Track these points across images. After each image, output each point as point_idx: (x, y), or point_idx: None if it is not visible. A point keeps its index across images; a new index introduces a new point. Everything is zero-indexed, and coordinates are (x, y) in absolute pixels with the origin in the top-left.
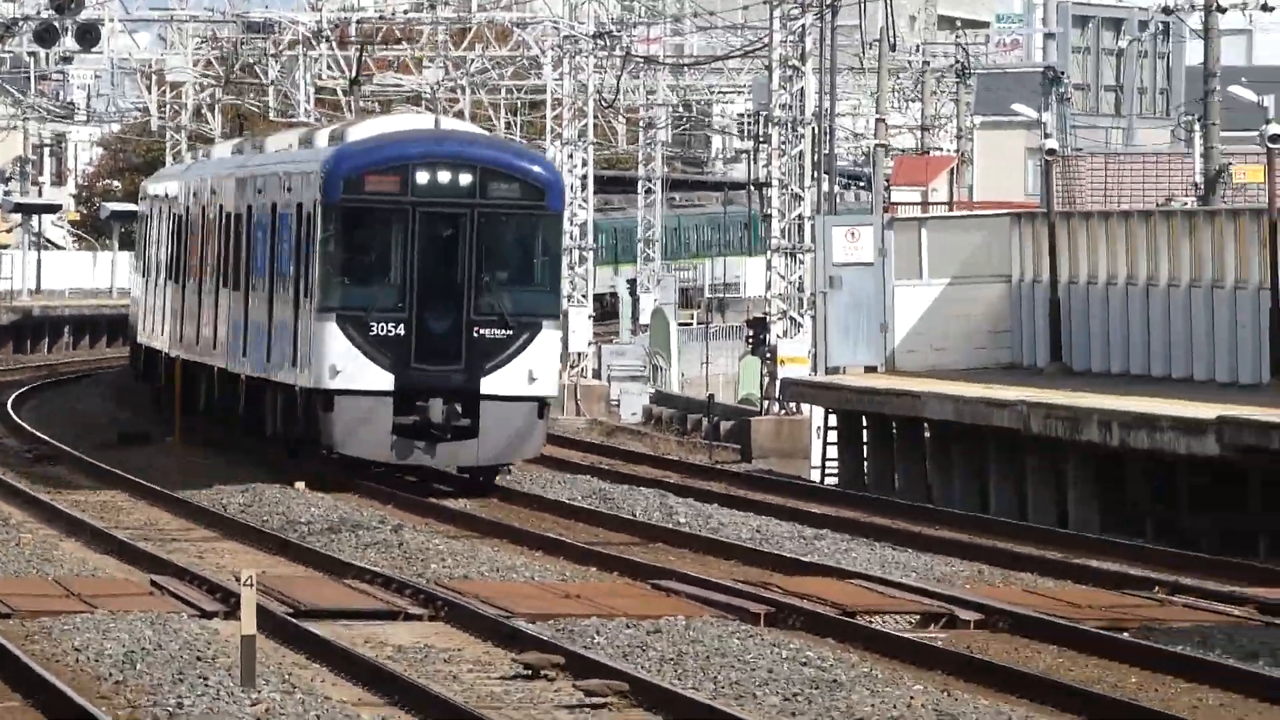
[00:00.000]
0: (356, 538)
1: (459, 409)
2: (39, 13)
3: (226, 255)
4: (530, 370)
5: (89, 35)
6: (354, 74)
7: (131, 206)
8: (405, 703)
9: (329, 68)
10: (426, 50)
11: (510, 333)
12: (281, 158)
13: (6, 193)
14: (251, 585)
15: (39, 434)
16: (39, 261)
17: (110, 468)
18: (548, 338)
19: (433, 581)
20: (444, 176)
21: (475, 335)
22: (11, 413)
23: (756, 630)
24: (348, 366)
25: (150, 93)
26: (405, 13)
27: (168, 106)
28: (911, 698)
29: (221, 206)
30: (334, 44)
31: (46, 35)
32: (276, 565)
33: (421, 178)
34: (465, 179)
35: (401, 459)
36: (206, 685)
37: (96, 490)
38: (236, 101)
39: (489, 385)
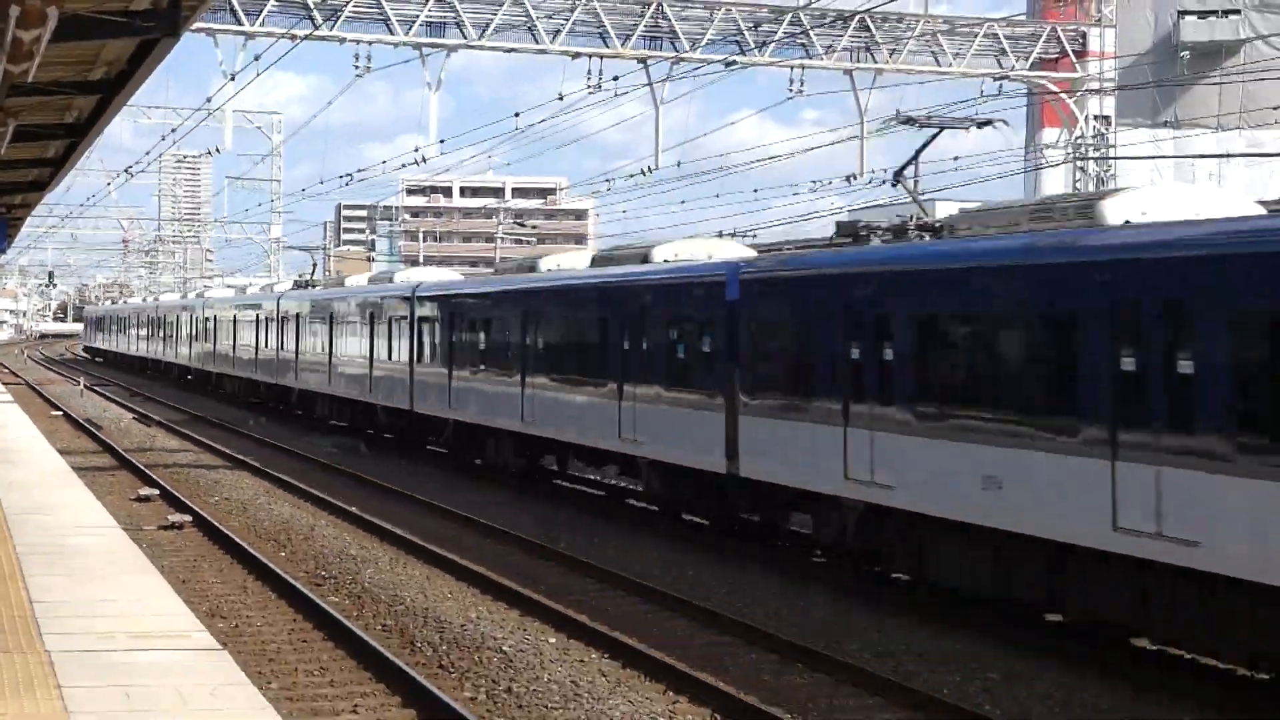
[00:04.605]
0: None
1: None
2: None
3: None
4: None
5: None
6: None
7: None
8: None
9: (171, 257)
10: None
11: None
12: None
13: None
14: (83, 383)
15: (50, 361)
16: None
17: (59, 372)
18: None
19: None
20: None
21: None
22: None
23: None
24: None
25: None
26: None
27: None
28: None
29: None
30: (170, 243)
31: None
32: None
33: None
34: None
35: None
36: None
37: (61, 383)
38: (138, 278)
39: None
